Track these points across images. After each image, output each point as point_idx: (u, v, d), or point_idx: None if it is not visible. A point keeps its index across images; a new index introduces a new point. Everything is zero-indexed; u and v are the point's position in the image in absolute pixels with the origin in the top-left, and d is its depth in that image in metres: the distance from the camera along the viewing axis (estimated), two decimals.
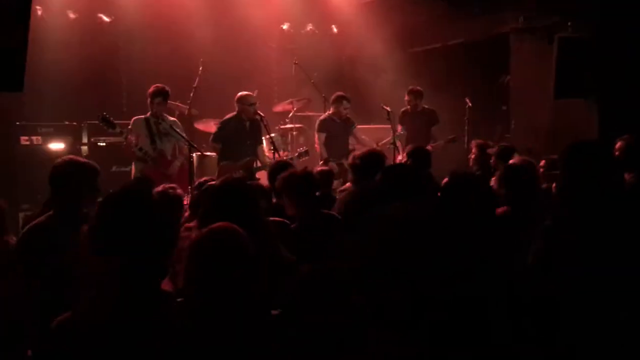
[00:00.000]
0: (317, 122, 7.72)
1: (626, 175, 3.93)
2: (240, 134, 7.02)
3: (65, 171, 3.26)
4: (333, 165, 6.98)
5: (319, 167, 6.21)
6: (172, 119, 6.87)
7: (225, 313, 2.03)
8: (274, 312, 2.25)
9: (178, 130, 6.68)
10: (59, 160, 3.37)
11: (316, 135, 7.66)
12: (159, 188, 3.91)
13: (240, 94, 7.02)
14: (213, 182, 3.95)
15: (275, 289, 2.48)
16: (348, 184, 5.78)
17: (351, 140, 7.72)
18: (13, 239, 3.52)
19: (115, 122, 6.42)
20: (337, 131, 7.58)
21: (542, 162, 5.21)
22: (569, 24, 7.20)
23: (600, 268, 2.46)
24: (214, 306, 2.03)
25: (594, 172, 2.71)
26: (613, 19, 6.75)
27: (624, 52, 6.63)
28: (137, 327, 1.96)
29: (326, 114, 7.72)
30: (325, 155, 7.42)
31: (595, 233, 2.56)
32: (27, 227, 3.24)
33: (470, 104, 7.89)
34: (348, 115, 7.65)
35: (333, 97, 7.64)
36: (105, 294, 2.02)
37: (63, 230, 3.07)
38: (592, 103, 7.09)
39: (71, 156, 3.47)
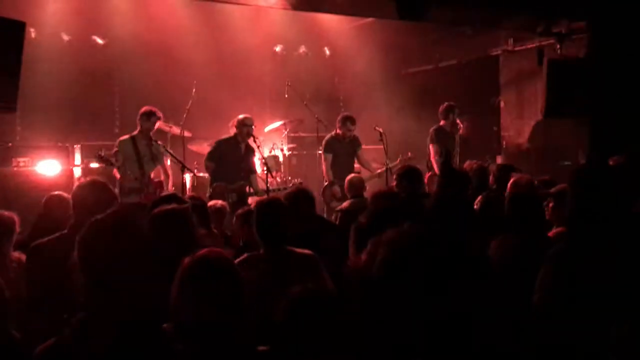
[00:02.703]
0: (323, 142, 7.68)
1: None
2: (235, 156, 7.04)
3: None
4: (337, 189, 6.96)
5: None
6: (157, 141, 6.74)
7: (215, 340, 2.00)
8: (261, 348, 2.19)
9: (169, 151, 6.65)
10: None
11: (322, 156, 7.65)
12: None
13: (241, 116, 7.07)
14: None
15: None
16: (344, 204, 5.79)
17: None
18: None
19: (104, 144, 6.35)
20: (342, 152, 7.58)
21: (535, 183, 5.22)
22: (558, 45, 7.30)
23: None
24: (203, 334, 2.00)
25: (607, 197, 2.67)
26: (602, 40, 6.84)
27: (613, 72, 6.71)
28: (126, 356, 1.93)
29: (332, 133, 7.70)
30: (330, 177, 7.39)
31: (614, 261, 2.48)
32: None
33: (461, 125, 7.94)
34: (355, 135, 7.69)
35: (340, 117, 7.65)
36: (93, 322, 1.98)
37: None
38: (583, 122, 7.16)
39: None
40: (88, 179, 3.49)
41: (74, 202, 3.32)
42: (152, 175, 6.65)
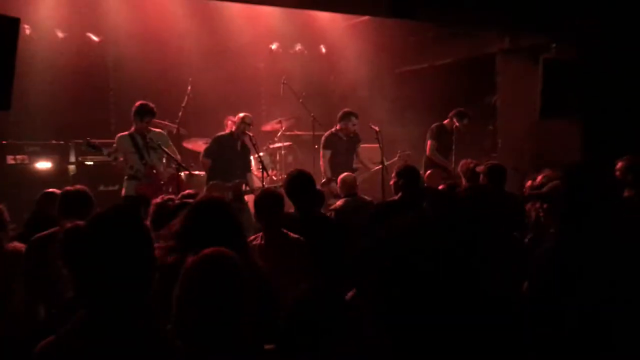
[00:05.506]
0: (323, 138, 7.61)
1: (626, 192, 3.92)
2: (232, 153, 7.04)
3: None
4: (334, 186, 6.89)
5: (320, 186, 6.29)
6: (157, 130, 6.71)
7: (219, 342, 1.99)
8: (267, 346, 2.18)
9: (162, 143, 6.57)
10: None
11: (321, 152, 7.59)
12: (158, 199, 3.90)
13: (241, 114, 7.07)
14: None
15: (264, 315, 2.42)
16: (338, 203, 5.79)
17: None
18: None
19: (102, 142, 6.35)
20: (342, 148, 7.54)
21: (529, 183, 5.21)
22: (553, 45, 7.30)
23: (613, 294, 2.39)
24: (207, 335, 2.00)
25: (599, 193, 2.69)
26: (597, 40, 6.85)
27: (608, 72, 6.72)
28: (126, 354, 1.92)
29: (332, 130, 7.63)
30: (329, 174, 7.31)
31: (606, 256, 2.50)
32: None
33: (457, 124, 7.92)
34: (356, 132, 7.66)
35: (340, 113, 7.59)
36: (94, 319, 1.97)
37: None
38: (577, 123, 7.17)
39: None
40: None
41: None
42: (161, 169, 6.56)
